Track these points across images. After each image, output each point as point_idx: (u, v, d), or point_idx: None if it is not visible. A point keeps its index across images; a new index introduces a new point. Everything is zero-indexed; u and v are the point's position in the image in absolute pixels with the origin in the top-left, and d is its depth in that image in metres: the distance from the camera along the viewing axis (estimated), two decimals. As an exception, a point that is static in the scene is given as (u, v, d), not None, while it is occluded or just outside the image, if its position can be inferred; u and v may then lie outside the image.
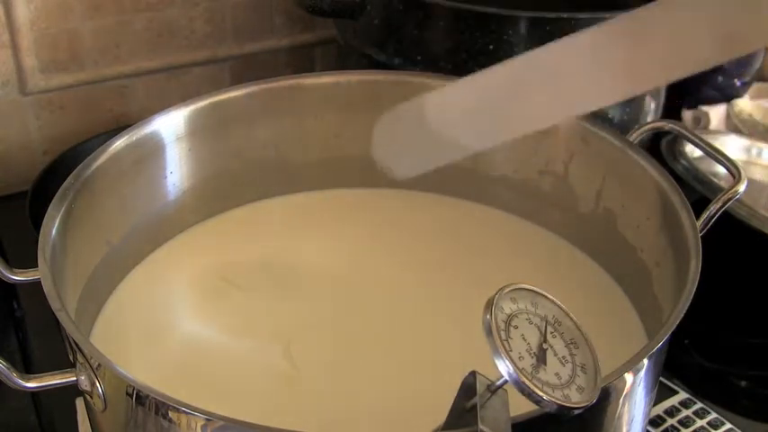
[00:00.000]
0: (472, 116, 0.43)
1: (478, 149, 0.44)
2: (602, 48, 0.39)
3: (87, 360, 0.44)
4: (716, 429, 0.62)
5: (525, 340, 0.38)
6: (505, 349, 0.36)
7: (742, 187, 0.56)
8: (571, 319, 0.40)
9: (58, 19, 0.82)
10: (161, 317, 0.59)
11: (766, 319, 0.74)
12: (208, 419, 0.40)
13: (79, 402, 0.61)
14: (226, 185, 0.66)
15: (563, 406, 0.37)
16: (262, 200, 0.68)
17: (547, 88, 0.40)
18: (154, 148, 0.61)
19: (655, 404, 0.60)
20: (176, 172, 0.63)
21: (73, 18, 0.83)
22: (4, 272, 0.50)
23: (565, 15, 0.68)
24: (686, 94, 0.94)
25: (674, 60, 0.38)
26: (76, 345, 0.44)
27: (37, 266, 0.49)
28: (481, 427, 0.36)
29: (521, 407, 0.38)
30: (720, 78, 0.95)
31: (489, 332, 0.37)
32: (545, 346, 0.38)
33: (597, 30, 0.39)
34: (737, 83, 0.96)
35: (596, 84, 0.40)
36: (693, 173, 0.76)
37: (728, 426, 0.62)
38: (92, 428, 0.51)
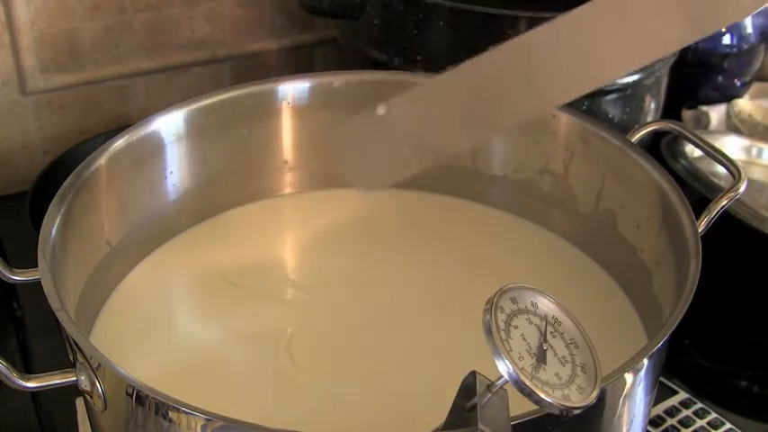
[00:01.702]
0: (453, 113, 0.42)
1: (455, 151, 0.42)
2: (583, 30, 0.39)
3: (87, 360, 0.44)
4: (716, 429, 0.62)
5: (525, 340, 0.38)
6: (505, 349, 0.36)
7: (742, 187, 0.56)
8: (571, 319, 0.40)
9: (58, 19, 0.82)
10: (161, 317, 0.59)
11: (766, 319, 0.74)
12: (208, 419, 0.40)
13: (79, 402, 0.61)
14: (226, 185, 0.66)
15: (563, 406, 0.37)
16: (261, 200, 0.68)
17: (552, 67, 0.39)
18: (154, 148, 0.61)
19: (655, 404, 0.60)
20: (176, 172, 0.63)
21: (73, 18, 0.83)
22: (4, 272, 0.50)
23: (565, 15, 0.68)
24: (686, 94, 0.94)
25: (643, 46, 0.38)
26: (76, 345, 0.44)
27: (37, 266, 0.49)
28: (481, 427, 0.36)
29: (521, 407, 0.38)
30: (720, 78, 0.95)
31: (489, 332, 0.37)
32: (545, 346, 0.38)
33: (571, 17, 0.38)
34: (737, 83, 0.96)
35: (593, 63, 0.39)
36: (693, 173, 0.76)
37: (728, 426, 0.62)
38: (92, 428, 0.51)
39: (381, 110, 0.41)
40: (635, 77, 0.73)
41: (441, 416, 0.39)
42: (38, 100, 0.86)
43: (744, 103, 0.93)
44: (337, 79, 0.67)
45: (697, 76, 0.94)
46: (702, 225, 0.54)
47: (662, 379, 0.65)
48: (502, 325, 0.37)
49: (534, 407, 0.37)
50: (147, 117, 0.61)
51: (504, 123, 0.41)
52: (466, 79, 0.40)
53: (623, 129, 0.69)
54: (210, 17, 0.89)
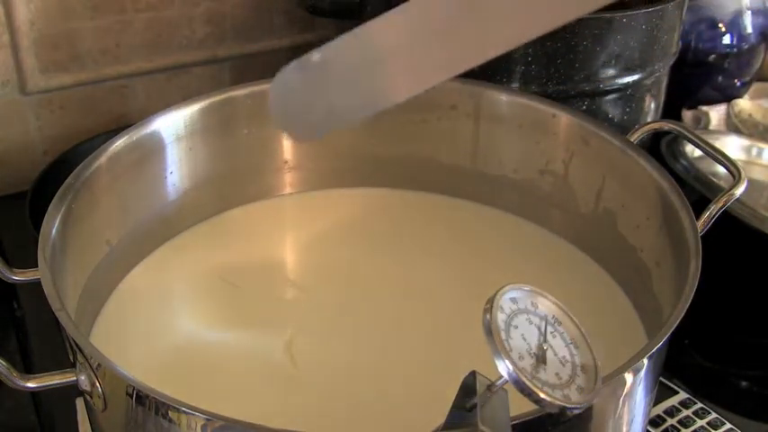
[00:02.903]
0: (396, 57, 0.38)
1: (394, 101, 0.37)
2: None
3: (87, 360, 0.44)
4: (716, 429, 0.62)
5: (525, 340, 0.38)
6: (505, 349, 0.36)
7: (742, 187, 0.56)
8: (571, 319, 0.40)
9: (58, 19, 0.82)
10: (161, 317, 0.59)
11: (766, 319, 0.74)
12: (208, 419, 0.40)
13: (79, 402, 0.61)
14: (226, 185, 0.66)
15: (563, 406, 0.37)
16: (261, 200, 0.68)
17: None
18: (154, 148, 0.61)
19: (655, 404, 0.60)
20: (176, 172, 0.63)
21: (73, 18, 0.83)
22: (4, 272, 0.50)
23: (565, 15, 0.68)
24: (686, 94, 0.94)
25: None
26: (76, 345, 0.44)
27: (37, 266, 0.49)
28: (481, 427, 0.36)
29: (521, 407, 0.38)
30: (720, 78, 0.95)
31: (489, 332, 0.37)
32: (545, 346, 0.38)
33: None
34: (737, 83, 0.96)
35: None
36: (693, 173, 0.76)
37: (728, 426, 0.62)
38: (92, 428, 0.51)
39: (316, 56, 0.38)
40: (635, 77, 0.73)
41: (441, 416, 0.39)
42: (38, 100, 0.86)
43: (744, 103, 0.93)
44: (337, 79, 0.67)
45: (697, 76, 0.94)
46: (702, 225, 0.54)
47: (662, 379, 0.65)
48: (502, 325, 0.37)
49: (534, 407, 0.37)
50: (147, 117, 0.61)
51: (459, 64, 0.36)
52: (408, 20, 0.37)
53: (623, 129, 0.69)
54: (210, 17, 0.89)
